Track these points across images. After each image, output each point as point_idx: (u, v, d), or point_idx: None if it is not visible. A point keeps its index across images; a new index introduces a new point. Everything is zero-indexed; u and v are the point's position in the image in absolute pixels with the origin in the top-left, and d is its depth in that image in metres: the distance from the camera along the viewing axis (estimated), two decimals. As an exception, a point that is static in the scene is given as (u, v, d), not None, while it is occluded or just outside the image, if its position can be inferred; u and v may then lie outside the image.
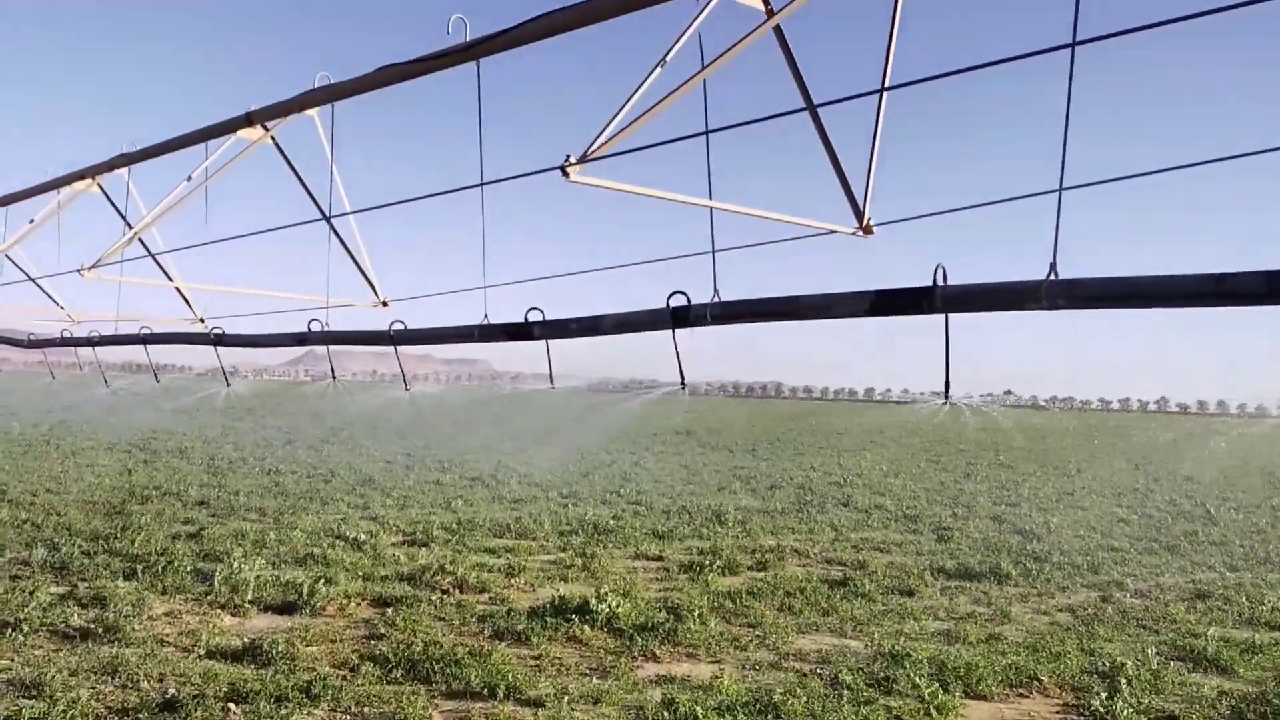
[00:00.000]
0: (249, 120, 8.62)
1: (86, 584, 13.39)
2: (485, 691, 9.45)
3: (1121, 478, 35.99)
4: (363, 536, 17.41)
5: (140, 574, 13.91)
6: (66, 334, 13.59)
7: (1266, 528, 22.76)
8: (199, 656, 10.41)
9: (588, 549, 17.10)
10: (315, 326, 9.30)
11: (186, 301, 13.22)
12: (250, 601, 12.63)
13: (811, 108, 6.39)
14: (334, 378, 11.08)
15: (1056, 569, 16.52)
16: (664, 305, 5.97)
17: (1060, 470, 38.40)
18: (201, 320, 13.71)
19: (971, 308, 4.81)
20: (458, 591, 13.69)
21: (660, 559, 16.78)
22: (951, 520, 22.48)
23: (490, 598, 13.44)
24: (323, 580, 13.57)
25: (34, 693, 9.06)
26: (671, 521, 20.82)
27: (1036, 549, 18.63)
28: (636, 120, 6.12)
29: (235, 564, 14.37)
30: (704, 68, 6.21)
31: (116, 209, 12.24)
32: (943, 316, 4.94)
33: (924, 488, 29.93)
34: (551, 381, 8.16)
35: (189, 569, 14.30)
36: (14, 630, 10.82)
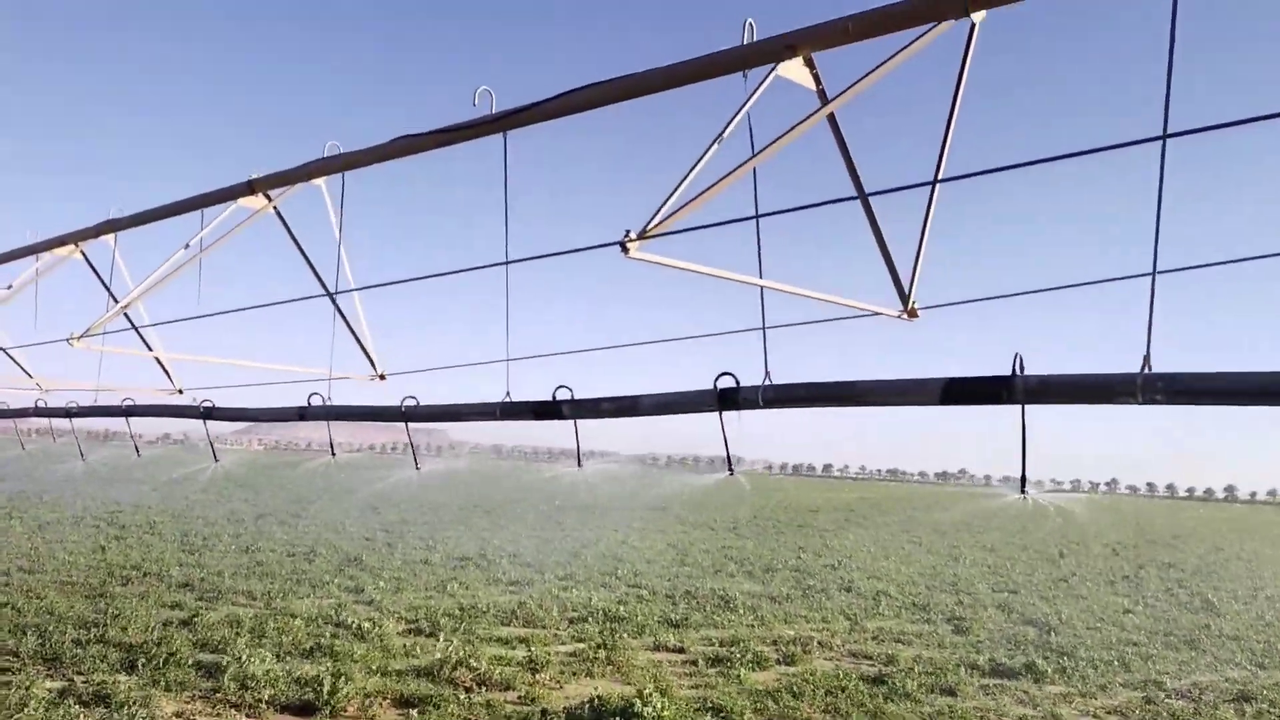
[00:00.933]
0: (251, 189, 8.34)
1: (83, 678, 12.46)
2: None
3: (1103, 563, 35.83)
4: (365, 625, 16.53)
5: (140, 667, 12.98)
6: (41, 403, 12.86)
7: (1275, 621, 22.57)
8: (224, 767, 9.57)
9: (604, 639, 16.38)
10: (316, 400, 8.71)
11: (166, 372, 12.66)
12: (264, 701, 11.77)
13: (863, 196, 6.20)
14: (333, 454, 10.50)
15: (1089, 666, 16.07)
16: (711, 387, 5.56)
17: (1043, 555, 38.15)
18: (180, 391, 13.14)
19: (1054, 399, 4.44)
20: (481, 689, 12.92)
21: (681, 650, 16.10)
22: (959, 609, 22.00)
23: (519, 697, 12.69)
24: (337, 676, 12.73)
25: (52, 812, 8.20)
26: (680, 608, 20.14)
27: (1058, 643, 18.19)
28: (695, 199, 5.94)
29: (241, 656, 13.50)
30: (755, 153, 5.99)
31: (100, 278, 11.74)
32: (1018, 406, 4.53)
33: (917, 572, 29.46)
34: (579, 461, 7.63)
35: (190, 662, 13.40)
36: (17, 736, 9.92)
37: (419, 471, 9.29)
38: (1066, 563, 35.03)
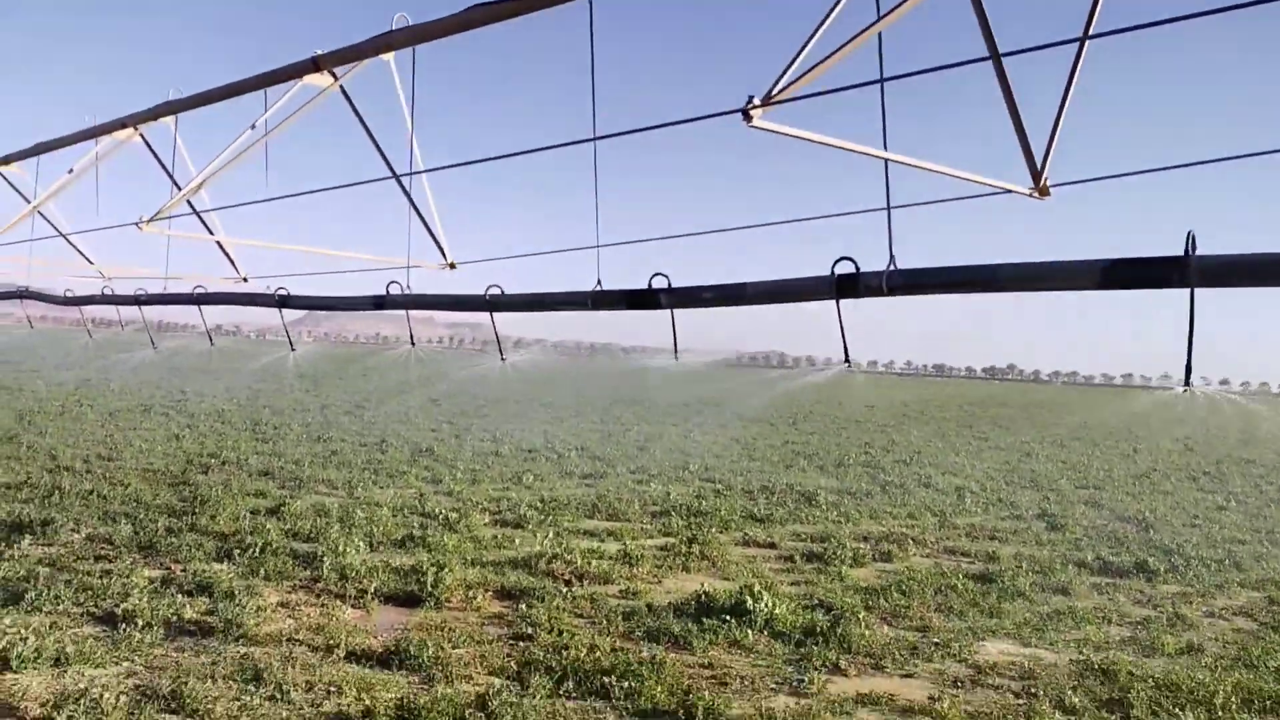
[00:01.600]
0: (316, 65, 7.74)
1: (181, 567, 12.29)
2: (681, 712, 8.35)
3: (1177, 459, 34.89)
4: (452, 515, 16.30)
5: (236, 556, 12.81)
6: (108, 291, 12.37)
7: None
8: (338, 659, 9.31)
9: (693, 533, 16.02)
10: (395, 289, 7.95)
11: (230, 260, 12.15)
12: (369, 592, 11.51)
13: (995, 56, 5.46)
14: (413, 343, 9.89)
15: (1201, 565, 15.42)
16: (828, 273, 4.96)
17: (1113, 450, 37.32)
18: (244, 279, 12.71)
19: (1231, 282, 3.93)
20: (580, 582, 12.58)
21: (773, 545, 15.69)
22: (1048, 505, 21.39)
23: (620, 591, 12.34)
24: (439, 567, 12.45)
25: (174, 704, 7.96)
26: (761, 503, 19.73)
27: (1159, 540, 17.56)
28: (821, 63, 5.19)
29: (336, 547, 13.28)
30: (883, 14, 5.32)
31: (160, 161, 11.24)
32: (1184, 292, 4.00)
33: (993, 467, 28.83)
34: (676, 353, 7.00)
35: (285, 550, 13.21)
36: (126, 624, 9.72)
37: (504, 363, 8.73)
38: (1142, 458, 34.18)
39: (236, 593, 10.97)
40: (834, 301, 5.01)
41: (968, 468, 28.56)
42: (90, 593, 10.77)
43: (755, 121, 5.19)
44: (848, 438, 37.71)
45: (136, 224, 11.25)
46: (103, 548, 13.08)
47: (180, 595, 10.92)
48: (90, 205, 13.33)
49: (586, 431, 33.95)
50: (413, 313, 8.26)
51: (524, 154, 7.19)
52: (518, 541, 14.80)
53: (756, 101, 5.04)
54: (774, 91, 5.09)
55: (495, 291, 7.17)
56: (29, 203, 14.19)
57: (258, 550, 12.98)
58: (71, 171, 13.20)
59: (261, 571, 12.19)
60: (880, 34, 5.39)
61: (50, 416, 28.53)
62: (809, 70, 5.06)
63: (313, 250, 11.97)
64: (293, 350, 11.91)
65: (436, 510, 16.79)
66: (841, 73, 5.31)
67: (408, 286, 8.40)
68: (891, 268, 4.85)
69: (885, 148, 5.71)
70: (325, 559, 12.76)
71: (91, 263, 15.22)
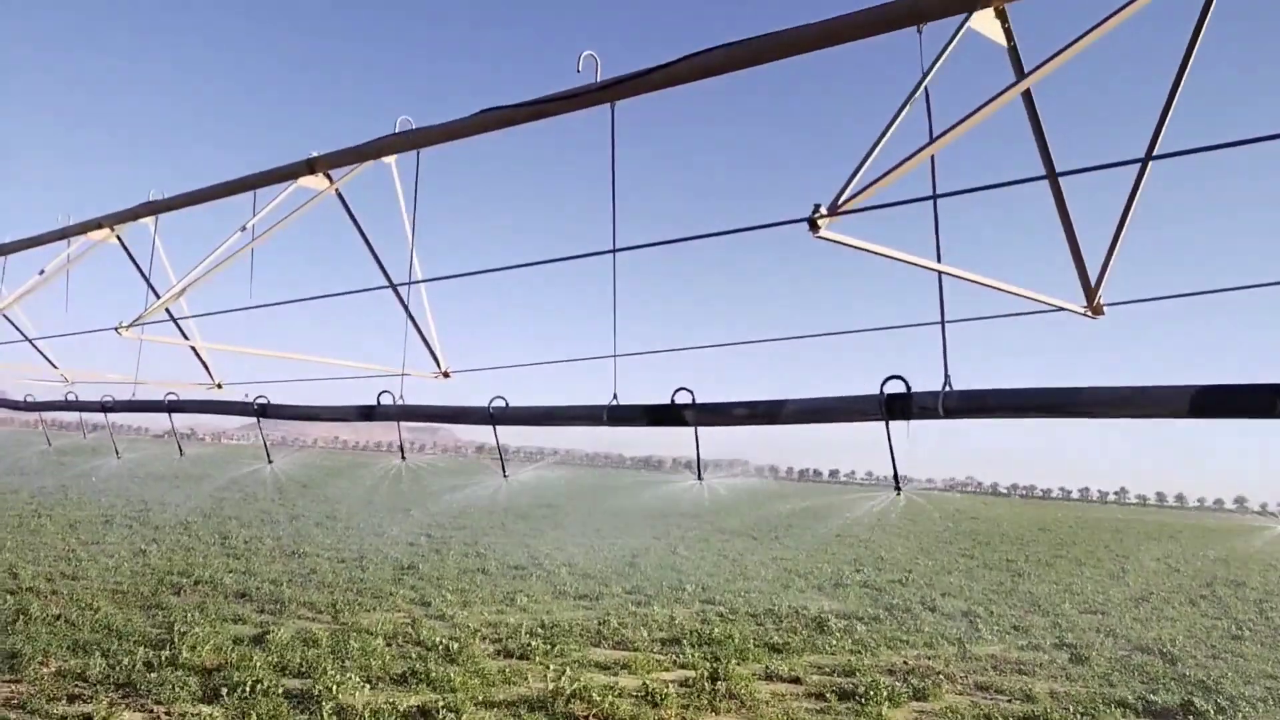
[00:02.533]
0: (311, 168, 7.46)
1: (164, 709, 11.13)
2: None
3: (1163, 580, 34.35)
4: (452, 645, 15.19)
5: (225, 695, 11.65)
6: (71, 397, 11.52)
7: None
8: (357, 828, 8.22)
9: (712, 666, 15.02)
10: (386, 399, 7.20)
11: (205, 366, 11.42)
12: (376, 741, 10.43)
13: (1053, 175, 5.30)
14: (403, 457, 9.16)
15: (1246, 704, 14.67)
16: (877, 392, 4.48)
17: (1097, 567, 36.74)
18: (219, 386, 11.97)
19: None
20: (607, 727, 11.56)
21: (797, 680, 14.71)
22: (1060, 631, 20.61)
23: (652, 737, 11.33)
24: (450, 711, 11.39)
25: None
26: (771, 629, 18.77)
27: (1190, 675, 16.81)
28: (887, 175, 4.83)
29: (332, 685, 12.16)
30: (948, 127, 4.95)
31: (137, 266, 10.46)
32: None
33: (988, 589, 28.01)
34: (700, 474, 6.26)
35: (278, 690, 12.06)
36: (113, 785, 8.58)
37: (506, 480, 7.99)
38: (1131, 577, 33.59)
39: (233, 743, 9.85)
40: (883, 423, 4.50)
41: (965, 588, 27.75)
42: (67, 744, 9.61)
43: (823, 231, 4.78)
44: (834, 554, 36.78)
45: (116, 329, 10.53)
46: (76, 685, 11.86)
47: (169, 746, 9.79)
48: (56, 305, 12.62)
49: (569, 544, 32.77)
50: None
51: (534, 265, 6.58)
52: (529, 677, 13.73)
53: (824, 211, 4.61)
54: (839, 202, 4.62)
55: (500, 404, 6.49)
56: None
57: (248, 689, 11.83)
58: (43, 273, 12.54)
59: (254, 715, 11.04)
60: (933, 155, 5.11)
61: (6, 529, 26.94)
62: (871, 184, 4.60)
63: (296, 357, 11.26)
64: (270, 463, 11.06)
65: (432, 639, 15.67)
66: (900, 185, 5.01)
67: (401, 396, 7.67)
68: (947, 388, 4.41)
69: (939, 260, 5.31)
70: (323, 700, 11.65)
71: (56, 367, 14.44)
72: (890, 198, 4.70)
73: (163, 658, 13.21)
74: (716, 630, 17.89)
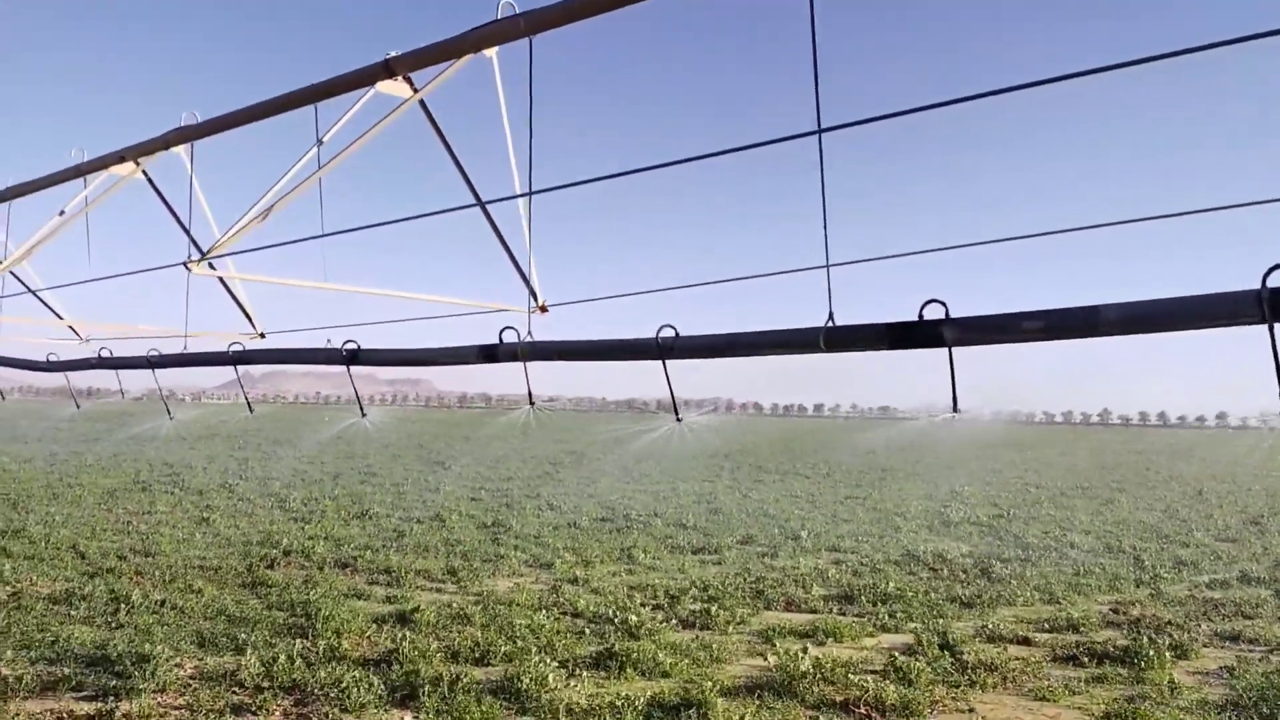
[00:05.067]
0: (390, 71, 6.58)
1: (355, 719, 9.12)
2: None
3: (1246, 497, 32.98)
4: (631, 618, 13.23)
5: (421, 695, 9.65)
6: (105, 352, 9.57)
7: None
8: None
9: (920, 628, 13.20)
10: (509, 336, 5.93)
11: (246, 314, 10.02)
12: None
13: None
14: (532, 403, 7.35)
15: None
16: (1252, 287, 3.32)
17: (1167, 489, 35.35)
18: (262, 335, 10.35)
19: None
20: (885, 717, 9.64)
21: (1027, 641, 12.84)
22: (1229, 562, 18.96)
23: (945, 723, 9.43)
24: (691, 703, 9.45)
25: None
26: (926, 577, 16.97)
27: None
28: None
29: (536, 676, 10.18)
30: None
31: (166, 202, 9.08)
32: None
33: (1096, 520, 26.37)
34: (957, 406, 4.55)
35: (478, 685, 10.07)
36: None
37: (679, 423, 6.09)
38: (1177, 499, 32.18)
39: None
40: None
41: (1071, 519, 26.11)
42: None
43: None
44: (901, 489, 35.09)
45: (185, 264, 8.69)
46: (232, 690, 9.80)
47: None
48: (63, 255, 10.98)
49: (634, 491, 30.86)
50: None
51: (674, 165, 5.61)
52: (737, 653, 11.82)
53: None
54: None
55: (669, 333, 5.05)
56: None
57: (447, 687, 9.82)
58: (63, 214, 10.73)
59: (470, 720, 9.07)
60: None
61: (42, 500, 24.66)
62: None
63: (376, 292, 9.36)
64: (364, 416, 9.18)
65: (592, 609, 13.75)
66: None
67: (529, 332, 6.03)
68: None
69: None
70: (533, 694, 9.69)
71: (61, 317, 12.60)
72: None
73: (319, 649, 11.15)
74: (887, 584, 16.02)
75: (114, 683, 9.86)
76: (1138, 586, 16.67)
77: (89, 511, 22.89)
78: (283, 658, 10.61)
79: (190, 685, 9.92)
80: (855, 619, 13.73)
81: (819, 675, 10.53)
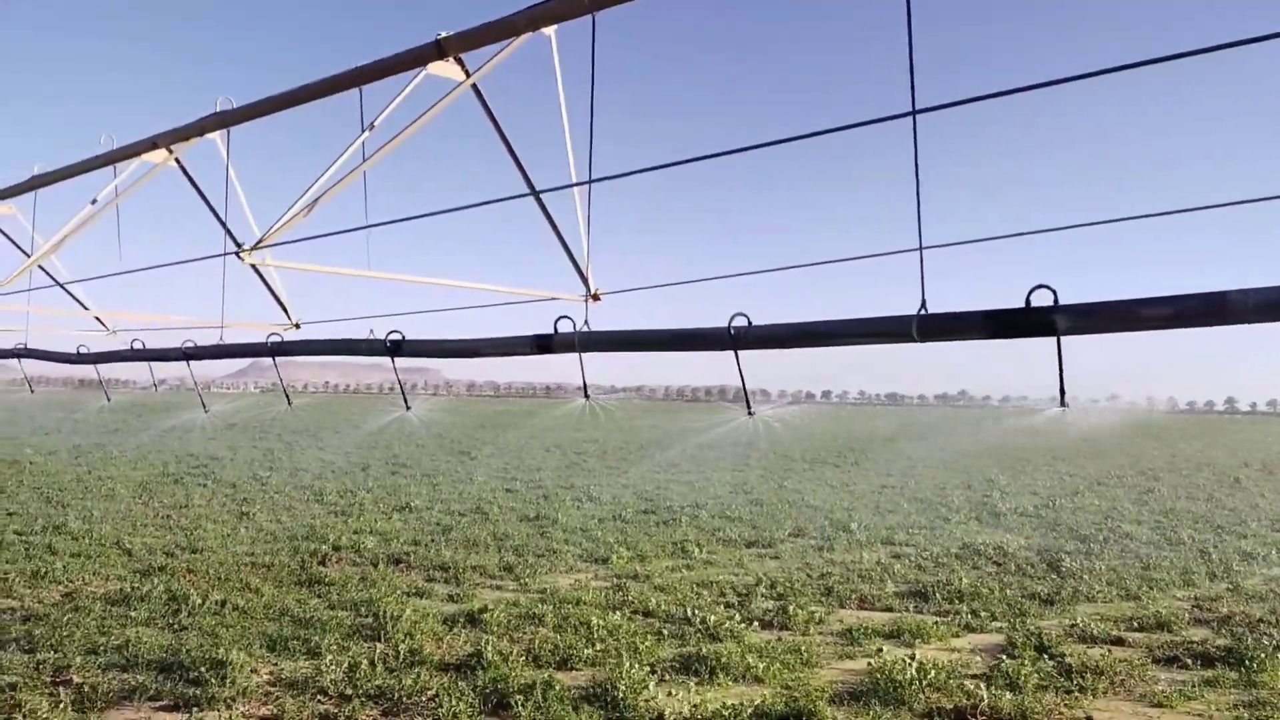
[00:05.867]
0: (441, 51, 6.29)
1: (451, 729, 8.69)
2: None
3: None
4: (709, 618, 12.79)
5: (515, 705, 9.22)
6: (138, 344, 9.21)
7: None
8: None
9: (1009, 626, 12.76)
10: (565, 326, 5.63)
11: (282, 305, 9.67)
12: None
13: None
14: (586, 395, 7.00)
15: None
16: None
17: (1203, 475, 34.81)
18: (297, 325, 9.99)
19: None
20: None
21: (1119, 642, 12.37)
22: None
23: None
24: (790, 711, 9.02)
25: None
26: (991, 572, 16.52)
27: None
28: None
29: (631, 686, 9.75)
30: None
31: (199, 191, 8.69)
32: None
33: (1141, 508, 25.86)
34: (1063, 398, 4.26)
35: (570, 693, 9.65)
36: None
37: (751, 416, 5.69)
38: (1242, 487, 31.66)
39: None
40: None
41: (1116, 509, 25.61)
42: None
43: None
44: (937, 479, 34.61)
45: (236, 253, 8.30)
46: (318, 700, 9.39)
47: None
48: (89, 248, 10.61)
49: (668, 481, 30.43)
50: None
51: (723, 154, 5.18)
52: (822, 655, 11.38)
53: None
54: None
55: (741, 323, 4.71)
56: (23, 252, 11.39)
57: (540, 695, 9.40)
58: (95, 203, 10.29)
59: (570, 730, 8.64)
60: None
61: (76, 494, 24.30)
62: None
63: (430, 281, 9.00)
64: (408, 409, 8.75)
65: (662, 607, 13.33)
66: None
67: (586, 322, 5.72)
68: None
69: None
70: (629, 702, 9.26)
71: (87, 308, 12.23)
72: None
73: (399, 653, 10.73)
74: (960, 580, 15.56)
75: (192, 690, 9.46)
76: (1215, 581, 16.20)
77: (125, 505, 22.52)
78: (364, 663, 10.20)
79: (271, 692, 9.51)
80: (934, 619, 13.27)
81: (924, 681, 10.06)
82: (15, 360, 11.74)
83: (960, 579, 15.56)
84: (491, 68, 6.29)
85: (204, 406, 13.09)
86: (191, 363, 8.61)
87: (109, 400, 14.76)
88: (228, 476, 29.44)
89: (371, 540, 18.13)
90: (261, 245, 8.12)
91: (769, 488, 29.87)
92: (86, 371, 11.77)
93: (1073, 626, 12.88)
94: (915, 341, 4.27)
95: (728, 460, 39.73)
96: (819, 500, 26.67)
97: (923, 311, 4.21)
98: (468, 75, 6.26)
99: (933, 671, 10.32)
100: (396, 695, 9.43)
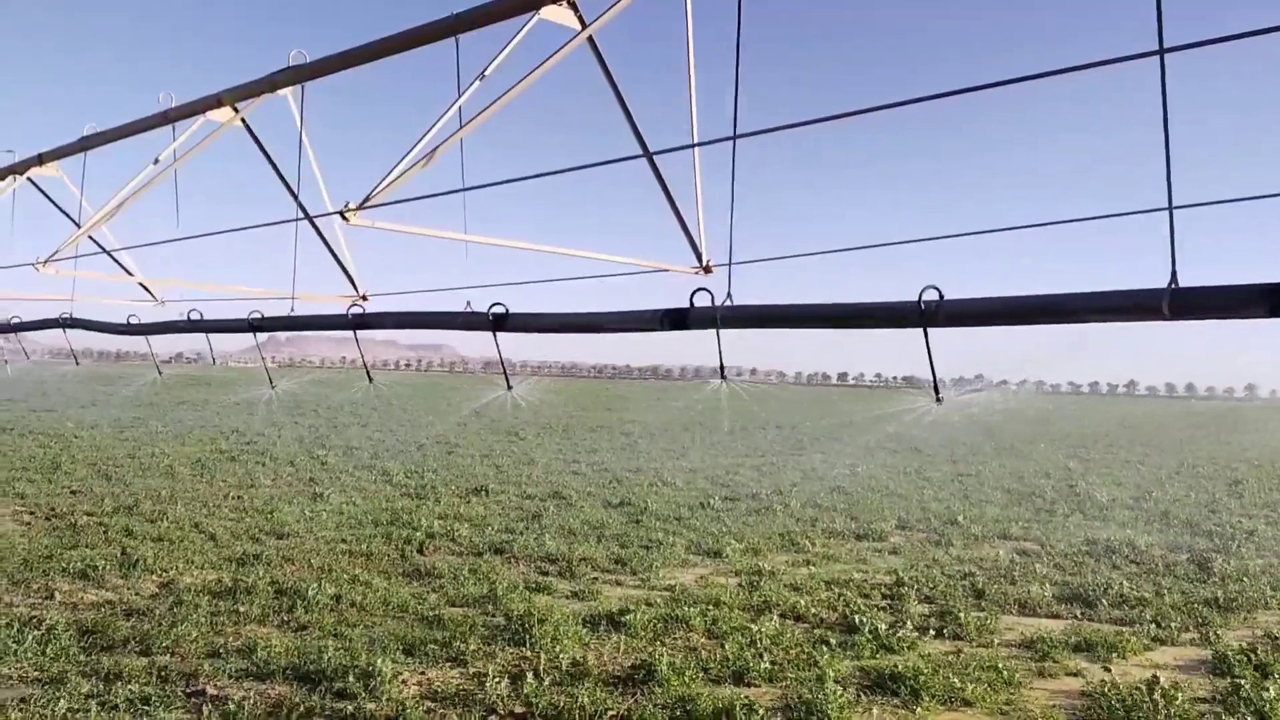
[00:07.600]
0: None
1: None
2: None
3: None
4: (836, 614, 11.66)
5: (708, 730, 8.09)
6: (195, 314, 8.14)
7: None
8: None
9: (1196, 639, 11.59)
10: (703, 300, 4.73)
11: (348, 274, 8.62)
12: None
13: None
14: (723, 377, 5.73)
15: None
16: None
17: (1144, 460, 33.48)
18: (365, 298, 8.99)
19: None
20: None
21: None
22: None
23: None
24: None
25: None
26: (1129, 572, 15.34)
27: None
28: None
29: (839, 705, 8.61)
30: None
31: (262, 148, 7.98)
32: None
33: (1233, 499, 24.59)
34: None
35: (762, 712, 8.52)
36: None
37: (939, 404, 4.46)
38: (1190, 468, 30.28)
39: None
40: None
41: (1214, 500, 24.36)
42: None
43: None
44: (1006, 465, 33.37)
45: (341, 213, 7.20)
46: (483, 715, 8.26)
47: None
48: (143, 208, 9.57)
49: (737, 464, 29.28)
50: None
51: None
52: (1021, 670, 10.23)
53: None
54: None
55: (932, 296, 3.84)
56: (71, 219, 10.38)
57: (737, 716, 8.27)
58: (157, 162, 9.27)
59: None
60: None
61: (133, 471, 23.31)
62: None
63: (531, 247, 7.90)
64: (509, 390, 7.52)
65: (811, 611, 12.20)
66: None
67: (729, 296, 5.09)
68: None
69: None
70: (846, 729, 8.12)
71: (131, 274, 11.23)
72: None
73: (558, 663, 9.60)
74: (1121, 584, 14.32)
75: (343, 705, 8.37)
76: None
77: (188, 484, 21.50)
78: (529, 676, 9.07)
79: (433, 709, 8.40)
80: (1118, 627, 12.09)
81: (1159, 706, 8.90)
82: (61, 330, 10.76)
83: (1120, 582, 14.35)
84: (612, 17, 5.41)
85: (271, 382, 12.02)
86: (187, 336, 7.63)
87: (160, 374, 13.69)
88: (283, 454, 28.41)
89: (462, 529, 17.02)
90: (368, 205, 7.04)
91: (838, 471, 28.71)
92: (121, 343, 10.58)
93: (1264, 638, 11.69)
94: (1165, 319, 3.36)
95: (778, 441, 38.58)
96: (903, 489, 25.48)
97: (1173, 285, 3.25)
98: (583, 26, 5.53)
99: (1178, 697, 9.14)
100: (574, 715, 8.31)
